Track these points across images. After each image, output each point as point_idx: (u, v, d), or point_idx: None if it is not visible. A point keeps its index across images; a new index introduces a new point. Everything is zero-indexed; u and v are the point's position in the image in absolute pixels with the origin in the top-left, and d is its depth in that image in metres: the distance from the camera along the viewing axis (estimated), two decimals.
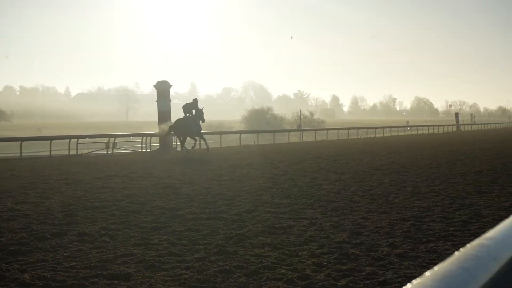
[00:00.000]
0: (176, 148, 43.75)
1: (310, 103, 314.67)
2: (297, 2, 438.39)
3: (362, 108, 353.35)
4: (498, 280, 1.49)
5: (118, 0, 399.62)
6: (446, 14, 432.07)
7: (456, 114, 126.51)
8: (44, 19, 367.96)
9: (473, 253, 1.53)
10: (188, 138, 38.53)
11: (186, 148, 38.10)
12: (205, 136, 40.16)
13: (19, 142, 41.07)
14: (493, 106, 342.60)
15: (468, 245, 1.62)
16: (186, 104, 39.51)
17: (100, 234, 10.81)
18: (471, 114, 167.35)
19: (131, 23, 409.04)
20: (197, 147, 39.24)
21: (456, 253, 1.54)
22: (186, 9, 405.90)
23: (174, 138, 43.74)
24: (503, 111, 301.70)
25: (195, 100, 39.57)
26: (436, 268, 1.40)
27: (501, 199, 14.81)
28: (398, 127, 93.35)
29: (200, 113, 38.34)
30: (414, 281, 1.31)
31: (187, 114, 38.62)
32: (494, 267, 1.51)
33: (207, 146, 39.12)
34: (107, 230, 11.20)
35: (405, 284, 1.37)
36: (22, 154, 39.49)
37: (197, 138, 38.95)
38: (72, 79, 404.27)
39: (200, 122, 38.66)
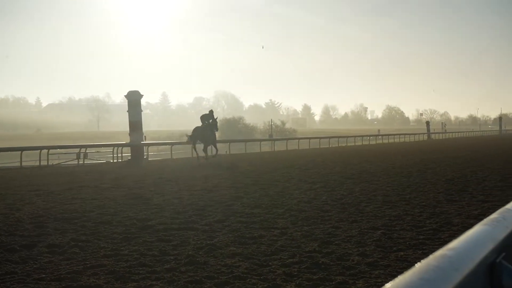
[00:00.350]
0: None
1: (281, 113, 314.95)
2: (268, 12, 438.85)
3: (334, 117, 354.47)
4: None
5: (88, 11, 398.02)
6: (416, 24, 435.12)
7: (427, 123, 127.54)
8: (13, 29, 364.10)
9: (435, 263, 1.53)
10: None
11: (206, 154, 40.06)
12: (177, 146, 41.03)
13: None
14: (463, 114, 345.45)
15: (430, 256, 1.62)
16: (203, 114, 41.88)
17: (70, 246, 10.73)
18: (442, 123, 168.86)
19: (102, 33, 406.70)
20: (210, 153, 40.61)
21: (418, 264, 1.54)
22: (157, 19, 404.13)
23: (145, 148, 43.96)
24: (473, 119, 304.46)
25: (211, 111, 41.48)
26: (397, 279, 1.40)
27: (471, 208, 14.90)
28: (370, 136, 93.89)
29: (214, 122, 40.82)
30: None
31: (205, 122, 40.85)
32: (456, 278, 1.50)
33: (217, 153, 41.06)
34: (77, 242, 11.12)
35: None
36: None
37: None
38: (43, 89, 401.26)
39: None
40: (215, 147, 41.07)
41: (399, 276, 1.41)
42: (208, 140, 40.31)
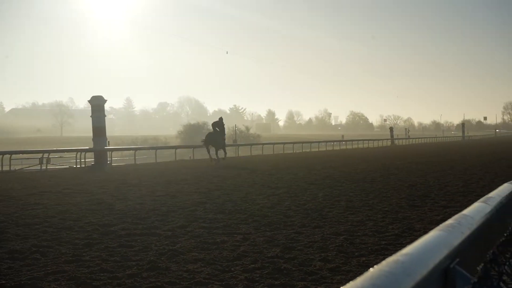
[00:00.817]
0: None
1: (246, 118, 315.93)
2: (232, 17, 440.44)
3: (298, 122, 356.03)
4: None
5: (51, 15, 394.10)
6: (380, 29, 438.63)
7: (391, 129, 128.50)
8: None
9: (387, 269, 1.53)
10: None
11: (218, 157, 44.17)
12: (140, 152, 41.50)
13: None
14: (427, 120, 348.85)
15: (383, 262, 1.62)
16: (214, 122, 46.16)
17: (31, 251, 10.62)
18: (405, 129, 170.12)
19: (66, 38, 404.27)
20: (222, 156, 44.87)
21: (371, 269, 1.53)
22: (120, 23, 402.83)
23: (109, 154, 44.00)
24: (436, 125, 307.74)
25: (221, 119, 46.17)
26: (348, 285, 1.39)
27: (433, 213, 15.03)
28: (334, 141, 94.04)
29: (223, 129, 45.36)
30: None
31: (216, 129, 45.08)
32: (408, 284, 1.50)
33: (225, 156, 45.31)
34: (38, 247, 11.01)
35: None
36: None
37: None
38: (5, 94, 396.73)
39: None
40: (224, 150, 44.97)
41: (350, 282, 1.40)
42: (219, 145, 44.52)
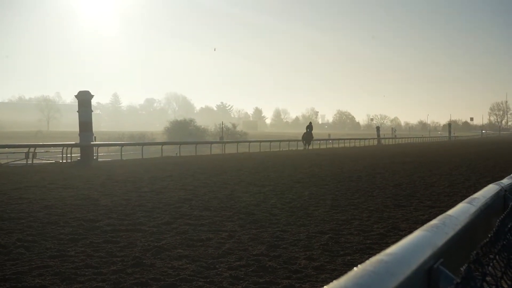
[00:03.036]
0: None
1: (233, 115, 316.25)
2: (220, 14, 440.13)
3: (285, 120, 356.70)
4: None
5: (38, 9, 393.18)
6: (367, 28, 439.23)
7: (377, 128, 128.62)
8: None
9: (371, 269, 1.53)
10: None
11: (308, 147, 75.47)
12: (127, 148, 43.30)
13: None
14: (413, 120, 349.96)
15: (367, 261, 1.62)
16: (308, 125, 77.20)
17: (15, 246, 10.59)
18: (392, 128, 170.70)
19: (53, 32, 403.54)
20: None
21: (355, 268, 1.53)
22: (109, 18, 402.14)
23: (95, 149, 44.02)
24: (423, 125, 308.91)
25: (310, 123, 78.03)
26: (331, 284, 1.39)
27: (418, 213, 15.09)
28: (320, 140, 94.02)
29: (311, 130, 76.74)
30: None
31: (308, 130, 75.76)
32: (391, 284, 1.50)
33: (308, 146, 76.65)
34: (23, 242, 10.98)
35: None
36: None
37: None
38: None
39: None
40: (309, 144, 76.47)
41: (334, 281, 1.40)
42: (310, 140, 76.52)
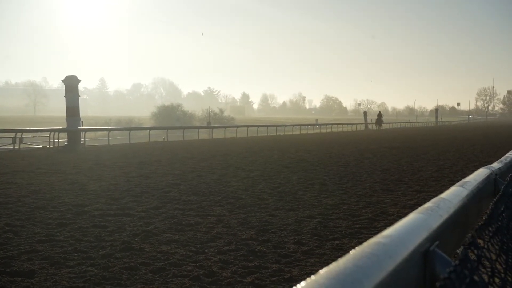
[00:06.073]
0: None
1: (220, 100, 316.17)
2: None
3: (272, 106, 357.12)
4: (393, 278, 1.48)
5: None
6: (355, 14, 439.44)
7: (365, 113, 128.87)
8: None
9: (369, 251, 1.52)
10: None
11: (379, 127, 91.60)
12: (114, 132, 43.16)
13: None
14: (401, 105, 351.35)
15: (365, 243, 1.62)
16: (379, 112, 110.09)
17: (4, 231, 10.60)
18: (379, 113, 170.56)
19: (39, 16, 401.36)
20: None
21: (352, 251, 1.53)
22: (94, 4, 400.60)
23: (82, 134, 43.91)
24: (410, 110, 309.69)
25: (380, 112, 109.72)
26: (331, 266, 1.38)
27: (406, 197, 15.15)
28: (308, 125, 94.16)
29: (380, 114, 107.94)
30: (308, 279, 1.28)
31: (379, 114, 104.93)
32: (390, 265, 1.50)
33: (379, 127, 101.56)
34: (11, 227, 10.99)
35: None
36: None
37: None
38: None
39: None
40: (380, 125, 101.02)
41: (333, 263, 1.40)
42: (380, 123, 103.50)
